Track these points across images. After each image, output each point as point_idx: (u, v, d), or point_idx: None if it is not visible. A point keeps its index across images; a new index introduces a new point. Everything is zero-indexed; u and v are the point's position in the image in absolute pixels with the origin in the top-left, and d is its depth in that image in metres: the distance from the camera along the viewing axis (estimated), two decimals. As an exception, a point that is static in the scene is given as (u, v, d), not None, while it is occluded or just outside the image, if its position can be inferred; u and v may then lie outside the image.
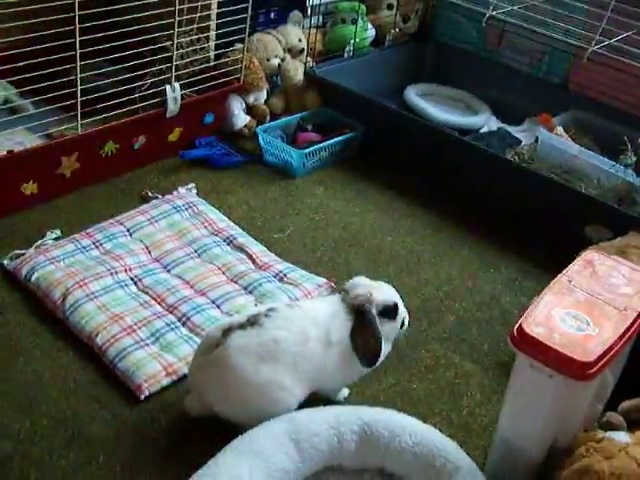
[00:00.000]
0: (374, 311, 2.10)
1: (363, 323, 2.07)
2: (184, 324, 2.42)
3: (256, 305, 2.50)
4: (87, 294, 2.47)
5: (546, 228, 3.04)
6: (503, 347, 2.52)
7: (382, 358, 2.13)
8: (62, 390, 2.22)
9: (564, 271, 1.97)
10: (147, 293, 2.55)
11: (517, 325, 1.79)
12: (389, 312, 2.14)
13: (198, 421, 2.14)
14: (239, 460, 1.83)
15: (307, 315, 2.06)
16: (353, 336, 2.07)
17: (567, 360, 1.70)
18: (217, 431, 2.07)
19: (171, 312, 2.47)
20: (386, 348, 2.16)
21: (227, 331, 1.97)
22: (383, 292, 2.17)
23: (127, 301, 2.50)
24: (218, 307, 2.50)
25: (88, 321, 2.38)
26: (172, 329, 2.39)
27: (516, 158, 3.33)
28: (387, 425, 1.94)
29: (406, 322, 2.23)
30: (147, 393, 2.20)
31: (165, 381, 2.24)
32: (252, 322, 1.99)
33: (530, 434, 1.89)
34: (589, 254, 2.05)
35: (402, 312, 2.20)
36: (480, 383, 2.38)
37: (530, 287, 2.82)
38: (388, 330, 2.15)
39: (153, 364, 2.25)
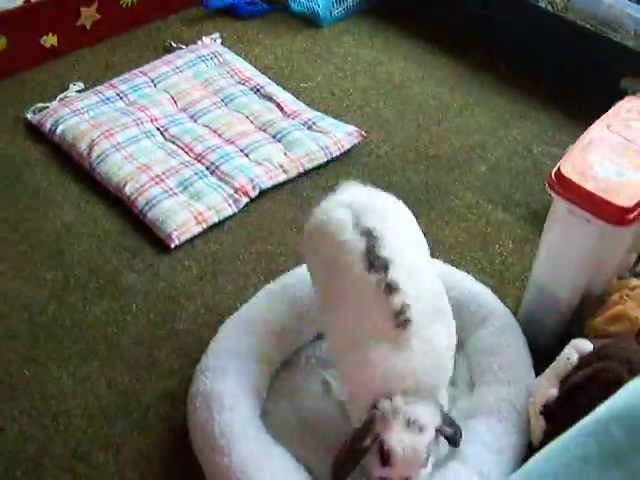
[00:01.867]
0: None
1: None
2: (213, 173, 2.39)
3: (285, 154, 2.46)
4: (113, 145, 2.44)
5: (580, 80, 2.94)
6: (535, 197, 2.46)
7: None
8: (92, 241, 2.23)
9: (602, 117, 1.90)
10: (174, 143, 2.50)
11: (555, 169, 1.74)
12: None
13: (230, 269, 2.14)
14: (273, 305, 1.85)
15: None
16: None
17: (606, 204, 1.65)
18: (249, 278, 2.07)
19: (199, 161, 2.43)
20: None
21: None
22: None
23: (154, 151, 2.46)
24: (247, 155, 2.45)
25: (116, 171, 2.36)
26: (201, 178, 2.36)
27: (550, 7, 3.19)
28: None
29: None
30: (177, 242, 2.19)
31: (195, 229, 2.23)
32: None
33: (564, 280, 1.86)
34: (628, 101, 1.97)
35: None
36: (512, 232, 2.35)
37: (563, 139, 2.74)
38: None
39: (183, 213, 2.23)
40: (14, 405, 1.83)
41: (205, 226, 2.25)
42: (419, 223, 2.30)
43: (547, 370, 1.71)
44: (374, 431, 1.46)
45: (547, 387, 1.67)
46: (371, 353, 1.52)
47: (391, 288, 1.53)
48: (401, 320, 1.51)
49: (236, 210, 2.31)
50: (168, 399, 1.84)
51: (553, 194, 1.75)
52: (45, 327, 2.00)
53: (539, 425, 1.65)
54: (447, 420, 1.52)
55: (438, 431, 1.49)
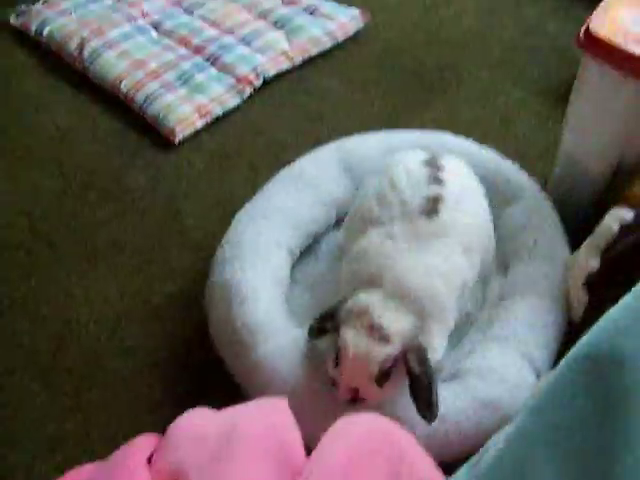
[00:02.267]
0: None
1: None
2: (213, 64, 2.25)
3: (288, 40, 2.32)
4: (105, 42, 2.30)
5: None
6: (553, 74, 2.34)
7: None
8: (91, 143, 2.11)
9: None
10: (170, 37, 2.36)
11: (584, 28, 1.61)
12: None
13: (238, 161, 2.03)
14: (290, 191, 1.72)
15: None
16: None
17: (642, 60, 1.53)
18: (259, 170, 1.96)
19: (198, 53, 2.29)
20: None
21: None
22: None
23: (149, 46, 2.32)
24: (248, 44, 2.31)
25: (109, 69, 2.22)
26: (201, 70, 2.23)
27: None
28: (443, 148, 1.79)
29: None
30: (181, 137, 2.07)
31: (199, 123, 2.10)
32: None
33: (596, 149, 1.74)
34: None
35: None
36: (533, 109, 2.22)
37: (578, 14, 2.57)
38: None
39: (184, 107, 2.10)
40: (21, 317, 1.73)
41: (209, 119, 2.12)
42: (435, 105, 2.20)
43: (586, 242, 1.60)
44: (336, 322, 1.37)
45: (587, 259, 1.57)
46: (377, 237, 1.45)
47: (437, 179, 1.49)
48: (431, 207, 1.45)
49: (240, 101, 2.18)
50: (183, 297, 1.75)
51: (583, 53, 1.62)
52: (47, 234, 1.89)
53: (581, 299, 1.56)
54: (421, 356, 1.33)
55: (403, 359, 1.33)
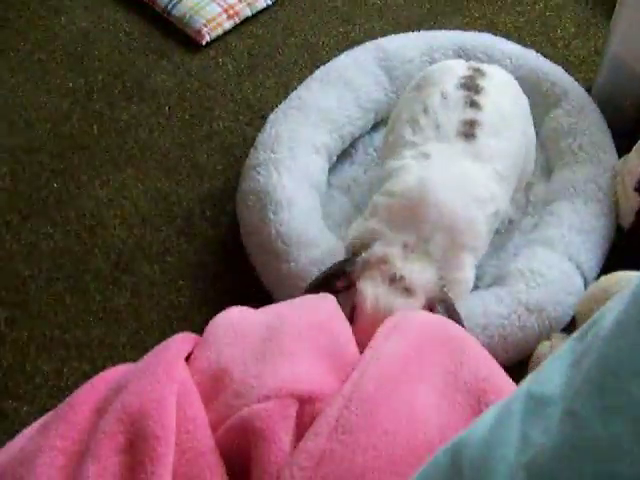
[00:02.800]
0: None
1: None
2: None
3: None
4: (127, -60, 2.19)
5: None
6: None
7: None
8: (114, 44, 2.02)
9: None
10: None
11: None
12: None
13: (269, 64, 1.96)
14: (326, 91, 1.65)
15: None
16: None
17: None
18: (291, 72, 1.89)
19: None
20: None
21: None
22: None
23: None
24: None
25: (132, -31, 2.12)
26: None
27: None
28: (485, 49, 1.72)
29: None
30: (208, 38, 1.99)
31: (227, 24, 2.01)
32: None
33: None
34: None
35: None
36: (573, 15, 2.12)
37: None
38: None
39: (212, 7, 2.01)
40: (45, 220, 1.67)
41: (237, 20, 2.03)
42: (471, 10, 2.11)
43: (636, 146, 1.53)
44: (351, 276, 1.25)
45: (638, 164, 1.50)
46: (412, 158, 1.37)
47: (474, 103, 1.39)
48: (467, 130, 1.36)
49: (270, 2, 2.08)
50: (215, 200, 1.68)
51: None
52: (71, 137, 1.82)
53: (630, 204, 1.49)
54: (449, 308, 1.24)
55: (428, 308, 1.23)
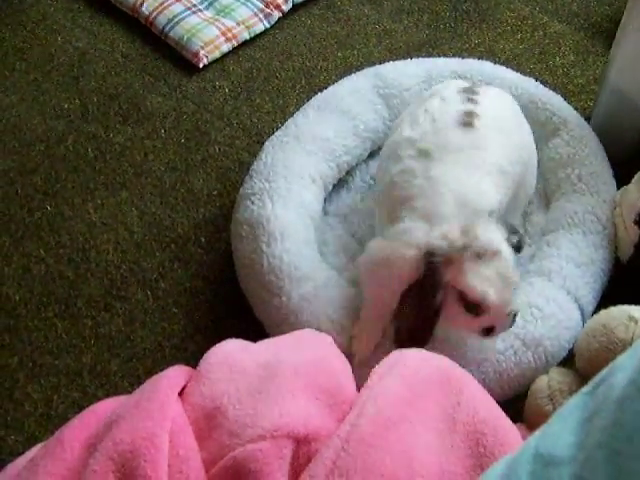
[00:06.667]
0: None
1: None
2: (239, -13, 2.15)
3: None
4: (125, -38, 2.18)
5: None
6: (593, 8, 2.23)
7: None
8: (110, 65, 2.01)
9: None
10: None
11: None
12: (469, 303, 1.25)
13: (266, 87, 1.94)
14: (323, 119, 1.63)
15: None
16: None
17: None
18: (289, 96, 1.87)
19: (224, -25, 2.18)
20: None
21: None
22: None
23: (172, -33, 2.20)
24: (275, -32, 2.20)
25: (131, -11, 2.11)
26: (227, -8, 2.12)
27: None
28: (484, 77, 1.71)
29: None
30: (206, 61, 1.98)
31: (225, 47, 2.01)
32: None
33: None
34: None
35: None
36: (572, 43, 2.12)
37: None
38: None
39: (210, 29, 2.01)
40: (37, 244, 1.65)
41: (235, 43, 2.03)
42: (471, 37, 2.10)
43: (635, 178, 1.52)
44: (441, 282, 1.21)
45: (637, 197, 1.49)
46: (410, 159, 1.37)
47: (472, 100, 1.41)
48: (466, 120, 1.37)
49: (268, 25, 2.08)
50: (209, 227, 1.67)
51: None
52: (65, 159, 1.80)
53: (629, 237, 1.48)
54: (509, 227, 1.29)
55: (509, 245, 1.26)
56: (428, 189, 1.31)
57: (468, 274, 1.21)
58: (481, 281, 1.20)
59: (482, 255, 1.21)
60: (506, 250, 1.24)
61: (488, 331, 1.26)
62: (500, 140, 1.40)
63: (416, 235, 1.26)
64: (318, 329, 1.30)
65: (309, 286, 1.41)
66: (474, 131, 1.37)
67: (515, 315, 1.27)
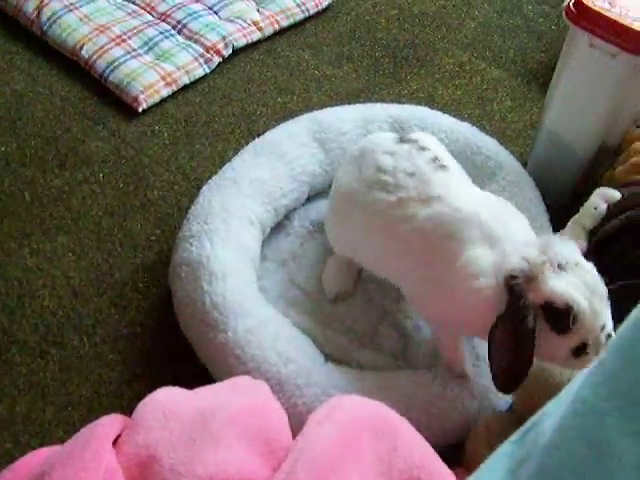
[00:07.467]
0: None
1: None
2: (180, 32, 2.15)
3: (258, 11, 2.23)
4: (65, 5, 2.18)
5: None
6: (530, 54, 2.28)
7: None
8: (49, 109, 1.99)
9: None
10: (134, 2, 2.25)
11: (573, -2, 1.55)
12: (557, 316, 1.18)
13: (206, 132, 1.93)
14: (260, 163, 1.63)
15: None
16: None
17: (635, 35, 1.47)
18: (228, 142, 1.86)
19: (164, 20, 2.19)
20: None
21: None
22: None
23: (112, 11, 2.21)
24: (216, 13, 2.22)
25: (70, 33, 2.11)
26: (167, 37, 2.13)
27: None
28: (420, 122, 1.73)
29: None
30: (145, 105, 1.97)
31: (165, 91, 2.01)
32: None
33: (582, 128, 1.69)
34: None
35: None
36: (509, 89, 2.17)
37: (555, -2, 2.55)
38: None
39: (150, 74, 2.00)
40: (-29, 289, 1.62)
41: (175, 88, 2.03)
42: (409, 83, 2.13)
43: (570, 223, 1.54)
44: (528, 303, 1.15)
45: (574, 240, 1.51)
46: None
47: (422, 148, 1.39)
48: (440, 164, 1.37)
49: (208, 70, 2.09)
50: (147, 273, 1.65)
51: (571, 25, 1.56)
52: (1, 203, 1.77)
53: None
54: None
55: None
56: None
57: (551, 281, 1.15)
58: (566, 285, 1.15)
59: (564, 266, 1.17)
60: (586, 262, 1.20)
61: (579, 351, 1.17)
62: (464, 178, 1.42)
63: (487, 263, 1.23)
64: (265, 362, 1.32)
65: (253, 321, 1.40)
66: (450, 171, 1.37)
67: (610, 335, 1.17)
